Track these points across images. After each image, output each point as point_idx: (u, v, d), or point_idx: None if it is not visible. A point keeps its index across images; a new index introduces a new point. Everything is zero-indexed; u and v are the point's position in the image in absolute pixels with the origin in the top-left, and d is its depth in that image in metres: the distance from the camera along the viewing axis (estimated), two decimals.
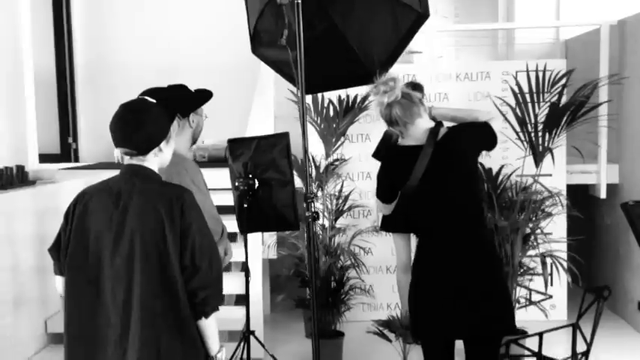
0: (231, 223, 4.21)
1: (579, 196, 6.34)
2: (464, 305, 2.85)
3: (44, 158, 6.15)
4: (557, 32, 7.23)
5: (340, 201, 5.21)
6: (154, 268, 2.07)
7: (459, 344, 3.06)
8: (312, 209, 2.91)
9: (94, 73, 7.59)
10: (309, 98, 5.22)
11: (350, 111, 5.07)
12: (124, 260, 2.08)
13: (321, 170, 5.13)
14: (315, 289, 2.88)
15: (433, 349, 3.04)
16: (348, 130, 5.30)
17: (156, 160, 2.24)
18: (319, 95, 5.08)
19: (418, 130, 2.96)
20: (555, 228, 5.47)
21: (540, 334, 3.44)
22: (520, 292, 4.85)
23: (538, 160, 4.50)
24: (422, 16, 3.10)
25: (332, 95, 5.14)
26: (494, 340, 2.98)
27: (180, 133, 3.04)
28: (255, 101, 5.42)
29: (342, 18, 2.98)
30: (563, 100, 4.57)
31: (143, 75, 6.83)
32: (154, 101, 2.24)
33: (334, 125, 5.05)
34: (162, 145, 2.24)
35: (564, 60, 5.62)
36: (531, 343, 3.07)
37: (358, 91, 5.29)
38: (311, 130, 5.32)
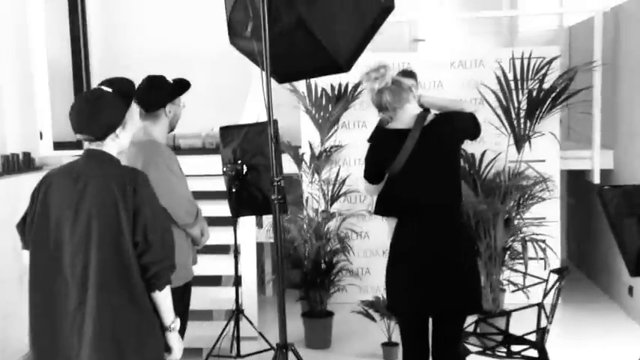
0: (223, 208, 4.43)
1: (577, 181, 6.42)
2: (434, 283, 3.03)
3: (63, 146, 6.38)
4: (560, 19, 7.26)
5: (334, 186, 5.37)
6: (109, 244, 2.27)
7: None
8: (278, 193, 3.08)
9: (108, 65, 7.81)
10: (303, 87, 5.39)
11: (342, 98, 5.22)
12: (82, 237, 2.28)
13: (312, 158, 5.28)
14: (281, 272, 3.05)
15: (407, 324, 3.23)
16: (342, 117, 5.45)
17: (114, 145, 2.43)
18: (312, 83, 5.24)
19: (407, 115, 3.17)
20: (548, 213, 5.57)
21: (508, 313, 3.60)
22: (507, 275, 4.97)
23: (519, 146, 4.60)
24: (387, 8, 3.22)
25: (325, 83, 5.29)
26: (460, 317, 3.15)
27: (157, 121, 3.24)
28: (252, 90, 5.57)
29: (308, 10, 3.12)
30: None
31: (156, 67, 7.08)
32: (109, 90, 2.42)
33: (327, 113, 5.20)
34: (119, 130, 2.41)
35: (558, 47, 5.67)
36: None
37: (349, 79, 5.44)
38: (306, 117, 5.50)
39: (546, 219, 5.59)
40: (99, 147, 2.40)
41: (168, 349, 2.46)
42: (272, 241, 5.48)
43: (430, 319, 3.18)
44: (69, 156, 6.12)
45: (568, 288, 6.12)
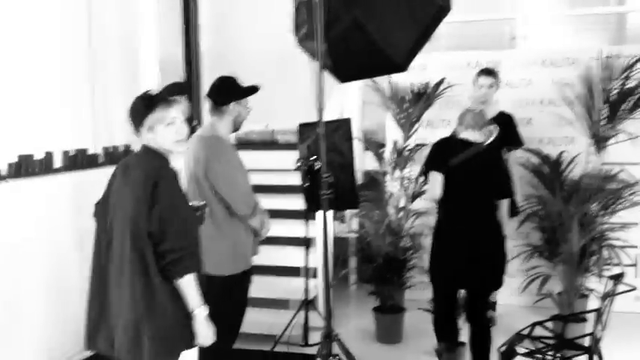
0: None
1: None
2: (471, 265, 3.69)
3: None
4: None
5: (416, 184, 5.41)
6: (128, 232, 2.51)
7: None
8: (328, 189, 3.22)
9: (217, 60, 8.24)
10: (386, 86, 5.47)
11: (422, 97, 5.25)
12: (115, 221, 2.58)
13: (394, 155, 5.35)
14: (326, 263, 3.19)
15: (442, 294, 3.93)
16: (425, 115, 5.49)
17: (150, 138, 2.64)
18: (394, 82, 5.31)
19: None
20: None
21: (564, 317, 3.55)
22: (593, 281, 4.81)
23: (599, 148, 4.44)
24: (443, 8, 3.27)
25: (406, 82, 5.35)
26: (486, 294, 3.90)
27: (222, 117, 3.48)
28: (335, 88, 5.69)
29: (364, 12, 3.23)
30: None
31: (263, 62, 7.42)
32: (143, 95, 2.66)
33: (408, 112, 5.25)
34: (144, 131, 2.63)
35: None
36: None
37: (431, 78, 5.46)
38: (390, 116, 5.58)
39: (638, 224, 5.38)
40: (142, 141, 2.65)
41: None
42: (352, 235, 5.61)
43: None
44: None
45: None
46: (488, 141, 3.96)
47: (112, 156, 5.18)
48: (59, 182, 4.53)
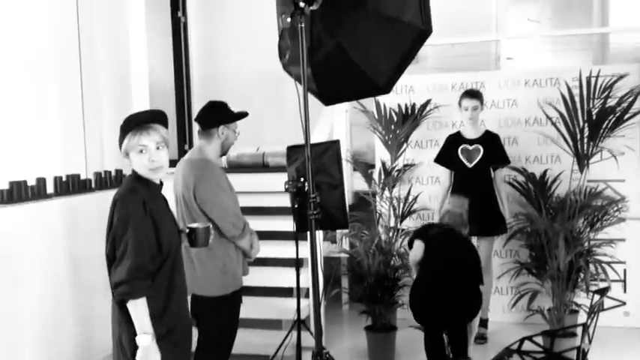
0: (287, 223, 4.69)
1: None
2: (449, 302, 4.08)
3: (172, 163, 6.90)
4: None
5: (405, 204, 5.49)
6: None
7: None
8: (314, 209, 3.29)
9: (207, 85, 8.34)
10: (371, 107, 5.56)
11: (409, 118, 5.34)
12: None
13: (382, 175, 5.43)
14: (315, 282, 3.24)
15: (429, 330, 4.26)
16: (412, 136, 5.58)
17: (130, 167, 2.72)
18: (381, 104, 5.40)
19: None
20: (627, 234, 5.42)
21: (553, 332, 3.60)
22: (576, 298, 4.88)
23: (581, 166, 4.53)
24: (424, 32, 3.36)
25: (393, 104, 5.44)
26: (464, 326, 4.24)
27: (211, 141, 3.55)
28: (323, 111, 5.78)
29: (347, 38, 3.33)
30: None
31: (253, 86, 7.52)
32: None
33: (395, 133, 5.34)
34: (124, 157, 2.70)
35: (638, 64, 5.50)
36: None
37: (417, 100, 5.57)
38: (377, 138, 5.67)
39: (626, 241, 5.45)
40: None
41: None
42: (343, 255, 5.66)
43: None
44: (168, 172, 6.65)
45: None
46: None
47: (103, 181, 5.24)
48: (52, 208, 4.58)
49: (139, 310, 2.51)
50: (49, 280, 4.46)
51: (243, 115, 3.63)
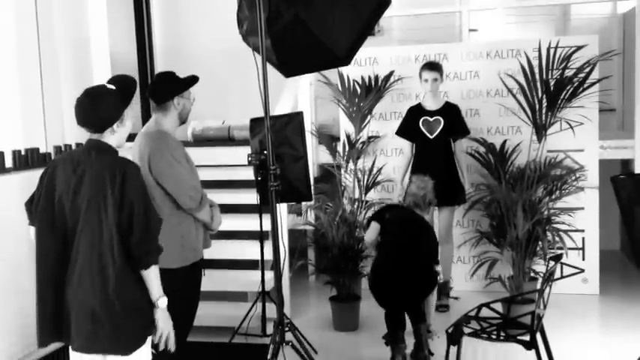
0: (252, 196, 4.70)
1: (619, 171, 6.28)
2: (396, 295, 4.18)
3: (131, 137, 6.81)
4: (614, 6, 7.10)
5: (369, 176, 5.53)
6: (95, 225, 2.56)
7: None
8: (275, 180, 3.31)
9: (170, 58, 8.23)
10: (336, 79, 5.57)
11: (372, 90, 5.36)
12: (76, 217, 2.59)
13: (347, 148, 5.46)
14: (277, 252, 3.28)
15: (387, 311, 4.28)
16: (376, 108, 5.61)
17: (112, 138, 2.72)
18: (345, 76, 5.41)
19: None
20: (585, 203, 5.54)
21: (509, 299, 3.69)
22: (535, 266, 4.99)
23: (540, 136, 4.61)
24: (384, 2, 3.37)
25: (356, 76, 5.46)
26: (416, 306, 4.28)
27: (167, 113, 3.52)
28: (287, 84, 5.77)
29: (305, 8, 3.32)
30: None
31: (216, 59, 7.44)
32: (112, 87, 2.70)
33: (358, 105, 5.36)
34: (116, 125, 2.69)
35: (596, 35, 5.58)
36: None
37: (380, 72, 5.59)
38: (341, 110, 5.68)
39: (585, 209, 5.58)
40: (98, 137, 2.68)
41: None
42: (308, 227, 5.70)
43: None
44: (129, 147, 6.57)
45: (612, 279, 6.06)
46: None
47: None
48: (10, 182, 4.52)
49: (156, 274, 2.66)
50: (8, 255, 4.42)
51: (193, 80, 3.58)
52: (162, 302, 2.67)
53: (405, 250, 4.16)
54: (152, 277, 2.64)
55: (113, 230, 2.55)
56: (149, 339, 2.71)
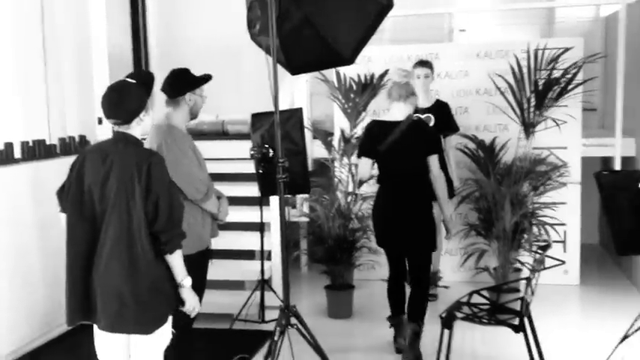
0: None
1: (599, 168, 6.56)
2: (403, 231, 4.23)
3: None
4: (597, 10, 7.37)
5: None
6: (124, 212, 2.74)
7: None
8: (283, 173, 3.52)
9: (166, 54, 8.36)
10: (333, 77, 5.77)
11: (368, 88, 5.57)
12: (105, 205, 2.78)
13: (342, 143, 5.66)
14: (283, 240, 3.47)
15: (389, 257, 4.44)
16: (370, 105, 5.81)
17: (138, 128, 2.90)
18: (342, 74, 5.61)
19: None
20: (568, 199, 5.80)
21: (499, 287, 3.93)
22: (520, 257, 5.24)
23: (527, 133, 4.86)
24: (387, 6, 3.58)
25: (353, 74, 5.66)
26: (422, 254, 4.31)
27: (178, 108, 3.69)
28: (287, 80, 5.94)
29: (313, 10, 3.52)
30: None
31: (211, 55, 7.58)
32: (133, 81, 2.89)
33: (354, 102, 5.57)
34: (142, 115, 2.88)
35: (581, 38, 5.84)
36: None
37: (376, 70, 5.79)
38: (338, 106, 5.88)
39: (567, 204, 5.84)
40: (126, 130, 2.87)
41: (182, 303, 2.92)
42: (304, 219, 5.90)
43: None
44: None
45: (591, 270, 6.35)
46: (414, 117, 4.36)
47: (67, 147, 5.32)
48: (19, 172, 4.66)
49: (180, 257, 2.86)
50: (17, 243, 4.57)
51: (207, 78, 3.76)
52: (187, 282, 2.89)
53: (402, 188, 4.22)
54: (177, 260, 2.84)
55: (141, 217, 2.74)
56: (170, 318, 2.91)
